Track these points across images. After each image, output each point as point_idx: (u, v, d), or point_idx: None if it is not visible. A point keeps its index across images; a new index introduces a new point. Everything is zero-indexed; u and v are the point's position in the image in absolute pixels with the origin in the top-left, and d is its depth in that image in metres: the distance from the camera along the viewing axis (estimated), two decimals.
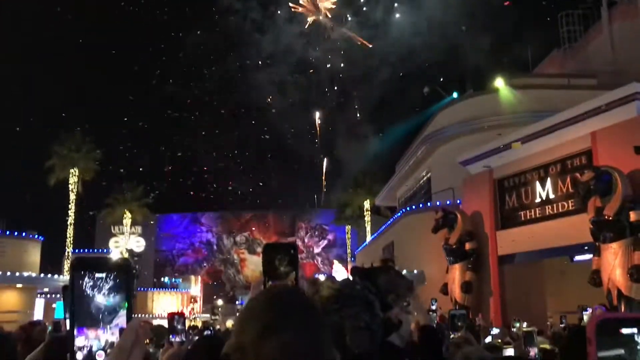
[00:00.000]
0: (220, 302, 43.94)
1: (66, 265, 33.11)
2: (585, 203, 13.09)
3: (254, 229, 53.97)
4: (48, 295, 28.11)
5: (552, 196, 15.78)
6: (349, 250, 44.22)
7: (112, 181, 43.93)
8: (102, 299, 0.95)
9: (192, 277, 45.61)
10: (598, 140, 14.07)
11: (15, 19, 54.30)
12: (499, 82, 23.01)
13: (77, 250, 35.00)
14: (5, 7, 50.21)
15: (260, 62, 60.31)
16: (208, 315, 39.14)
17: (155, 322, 12.07)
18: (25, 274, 24.96)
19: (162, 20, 66.46)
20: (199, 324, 23.17)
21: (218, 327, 11.80)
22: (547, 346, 6.11)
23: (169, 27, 66.91)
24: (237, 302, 38.55)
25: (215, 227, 54.47)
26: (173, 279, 45.06)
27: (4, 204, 44.01)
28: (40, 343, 3.62)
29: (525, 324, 8.48)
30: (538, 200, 16.20)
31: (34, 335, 5.09)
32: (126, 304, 0.97)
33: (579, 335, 3.11)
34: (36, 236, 27.77)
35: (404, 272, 17.15)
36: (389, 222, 26.48)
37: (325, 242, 53.22)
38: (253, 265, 51.24)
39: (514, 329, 8.03)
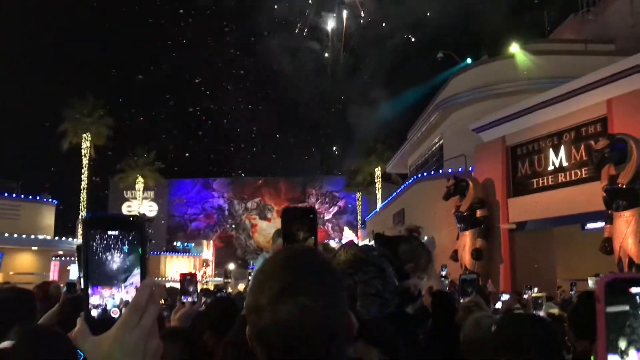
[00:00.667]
0: (232, 266, 44.50)
1: (80, 228, 33.58)
2: (599, 171, 12.99)
3: (265, 195, 54.22)
4: (63, 258, 28.63)
5: (565, 164, 15.64)
6: (359, 217, 44.41)
7: (124, 146, 44.17)
8: (115, 258, 0.95)
9: (204, 242, 46.04)
10: (614, 108, 13.85)
11: None
12: (515, 48, 22.58)
13: (90, 215, 35.37)
14: None
15: (273, 26, 59.56)
16: (220, 278, 39.69)
17: (168, 285, 12.26)
18: (41, 236, 25.39)
19: None
20: (212, 288, 23.48)
21: (230, 290, 11.97)
22: (556, 311, 6.14)
23: None
24: (248, 267, 39.02)
25: (227, 193, 54.78)
26: (185, 244, 45.57)
27: (19, 168, 44.53)
28: (57, 300, 3.70)
29: (535, 289, 8.50)
30: (551, 167, 16.07)
31: (51, 291, 5.21)
32: (140, 263, 0.97)
33: (587, 298, 3.12)
34: (51, 200, 28.11)
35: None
36: (400, 189, 26.45)
37: (336, 208, 53.44)
38: (264, 230, 51.64)
39: (525, 296, 8.06)
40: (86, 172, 34.70)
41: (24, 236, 24.22)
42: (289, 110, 63.55)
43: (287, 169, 57.19)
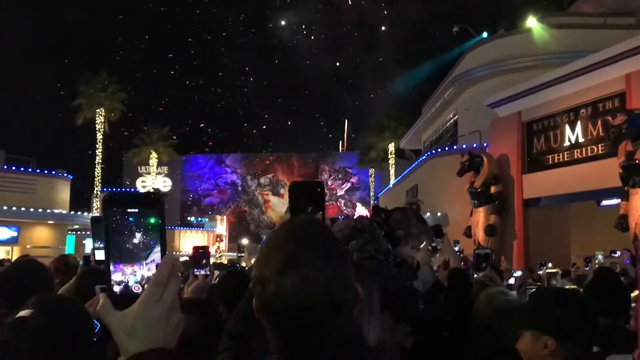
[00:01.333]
0: (245, 240, 44.82)
1: (95, 203, 33.91)
2: (616, 147, 12.83)
3: (277, 171, 54.29)
4: (78, 232, 29.01)
5: (581, 140, 15.46)
6: (372, 193, 44.34)
7: (138, 121, 44.34)
8: (136, 235, 0.95)
9: (218, 217, 46.33)
10: (633, 83, 13.60)
11: None
12: (532, 22, 22.18)
13: (105, 189, 35.75)
14: None
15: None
16: (234, 253, 40.02)
17: (182, 259, 12.38)
18: (56, 211, 25.70)
19: None
20: (225, 262, 23.71)
21: (244, 264, 12.07)
22: (570, 286, 6.11)
23: None
24: (261, 242, 39.23)
25: (240, 169, 54.90)
26: (199, 219, 45.90)
27: (34, 143, 44.90)
28: (76, 270, 3.75)
29: (550, 265, 8.49)
30: (567, 143, 15.89)
31: (71, 262, 5.31)
32: (160, 239, 0.97)
33: (605, 274, 3.09)
34: (66, 174, 28.38)
35: (427, 214, 17.17)
36: (414, 165, 26.35)
37: (349, 184, 53.38)
38: (276, 206, 51.85)
39: (540, 272, 8.04)
40: (100, 147, 34.92)
41: (40, 210, 24.52)
42: (302, 85, 63.32)
43: (300, 146, 57.20)
